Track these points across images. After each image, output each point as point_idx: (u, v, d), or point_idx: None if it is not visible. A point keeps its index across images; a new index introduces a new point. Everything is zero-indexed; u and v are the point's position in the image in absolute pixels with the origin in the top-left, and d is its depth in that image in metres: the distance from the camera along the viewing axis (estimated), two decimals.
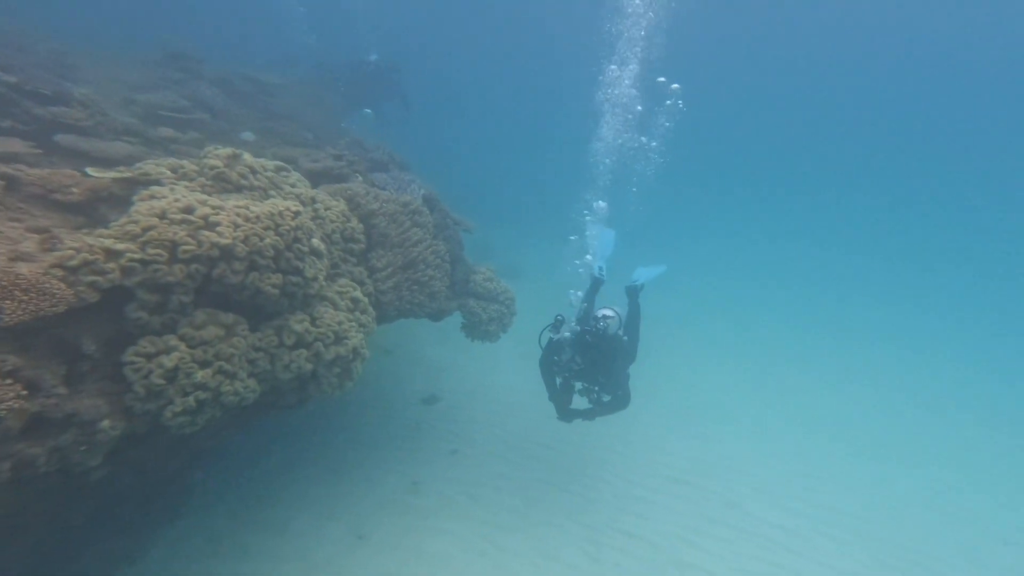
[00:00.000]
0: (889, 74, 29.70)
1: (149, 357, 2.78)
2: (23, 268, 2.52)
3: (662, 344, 9.46)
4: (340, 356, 3.28)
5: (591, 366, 4.97)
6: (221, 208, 3.13)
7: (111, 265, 2.68)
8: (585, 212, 7.40)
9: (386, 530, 5.09)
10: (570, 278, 6.78)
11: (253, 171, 4.13)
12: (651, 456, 7.24)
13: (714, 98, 25.99)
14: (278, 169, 4.55)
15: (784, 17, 26.00)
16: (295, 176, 4.67)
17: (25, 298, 2.39)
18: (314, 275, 3.23)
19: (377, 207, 4.54)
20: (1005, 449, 9.14)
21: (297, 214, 3.17)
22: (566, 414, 5.21)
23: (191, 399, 2.79)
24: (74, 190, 3.35)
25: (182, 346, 2.83)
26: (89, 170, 3.58)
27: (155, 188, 3.41)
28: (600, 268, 5.68)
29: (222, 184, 3.96)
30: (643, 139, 9.22)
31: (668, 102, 9.13)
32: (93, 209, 3.41)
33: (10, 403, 2.24)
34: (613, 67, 8.86)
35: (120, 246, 2.76)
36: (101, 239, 2.79)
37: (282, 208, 3.16)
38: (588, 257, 6.43)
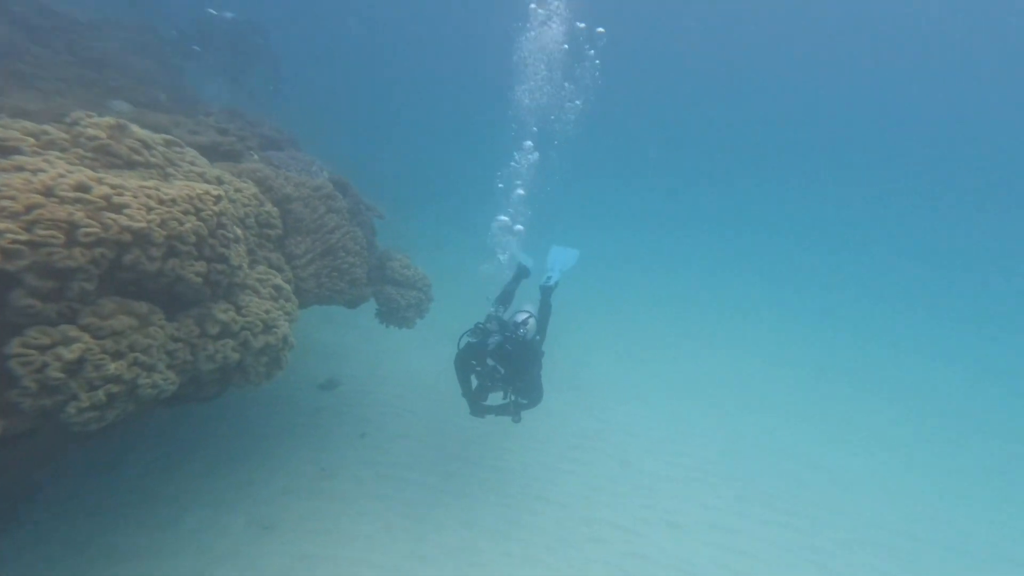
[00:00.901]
0: (804, 40, 30.32)
1: (43, 349, 2.50)
2: None
3: (561, 327, 10.25)
4: (270, 345, 3.20)
5: (513, 374, 5.08)
6: (123, 188, 2.86)
7: None
8: (499, 183, 7.31)
9: (296, 516, 4.96)
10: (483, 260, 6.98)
11: (147, 145, 3.74)
12: (553, 427, 7.90)
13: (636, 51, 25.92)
14: (168, 143, 4.15)
15: None
16: (191, 152, 4.29)
17: None
18: (239, 263, 3.10)
19: (292, 191, 4.36)
20: (823, 396, 11.47)
21: (219, 198, 3.00)
22: (479, 410, 5.37)
23: (100, 393, 2.57)
24: None
25: (86, 337, 2.58)
26: None
27: (20, 158, 2.98)
28: (549, 278, 5.79)
29: (109, 159, 3.54)
30: (567, 85, 8.73)
31: (592, 50, 8.64)
32: None
33: None
34: (533, 4, 8.25)
35: None
36: None
37: (200, 191, 2.96)
38: (503, 256, 6.57)
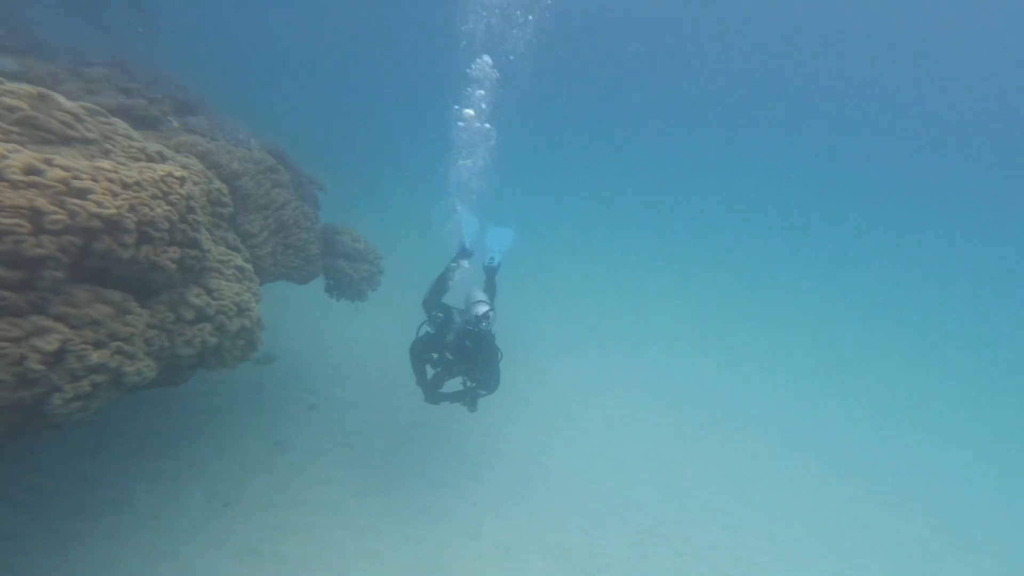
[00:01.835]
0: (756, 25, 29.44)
1: (17, 341, 2.43)
2: None
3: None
4: (245, 328, 3.23)
5: (471, 365, 4.99)
6: (79, 171, 2.71)
7: None
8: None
9: (257, 490, 4.92)
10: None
11: (78, 118, 3.44)
12: (501, 386, 8.42)
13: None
14: (91, 113, 3.83)
15: None
16: (121, 124, 3.99)
17: None
18: (208, 247, 3.07)
19: (239, 167, 4.21)
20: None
21: (183, 180, 2.92)
22: (434, 397, 5.32)
23: (85, 383, 2.55)
24: None
25: (62, 327, 2.52)
26: None
27: None
28: (492, 259, 5.77)
29: (38, 133, 3.25)
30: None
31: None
32: None
33: None
34: None
35: None
36: None
37: (163, 173, 2.88)
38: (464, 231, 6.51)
